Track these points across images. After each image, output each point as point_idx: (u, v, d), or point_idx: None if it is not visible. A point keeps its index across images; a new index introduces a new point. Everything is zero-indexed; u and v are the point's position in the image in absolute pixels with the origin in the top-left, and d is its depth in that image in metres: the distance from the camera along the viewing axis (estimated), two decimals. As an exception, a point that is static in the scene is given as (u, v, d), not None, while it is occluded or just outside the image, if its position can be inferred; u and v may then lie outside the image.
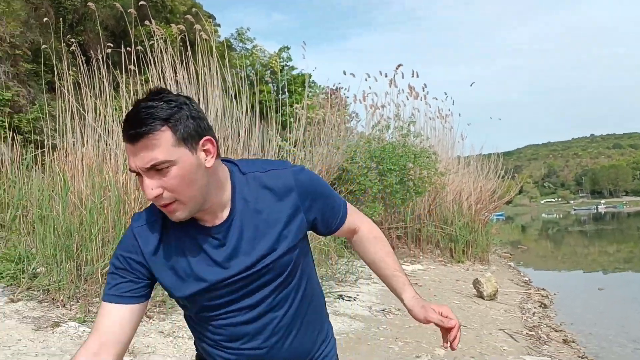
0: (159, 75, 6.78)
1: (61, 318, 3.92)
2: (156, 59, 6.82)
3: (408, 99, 11.94)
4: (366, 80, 11.11)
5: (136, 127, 1.15)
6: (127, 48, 7.03)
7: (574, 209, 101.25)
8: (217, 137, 1.26)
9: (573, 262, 15.47)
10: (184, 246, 1.29)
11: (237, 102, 7.24)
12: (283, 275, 1.34)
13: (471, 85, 14.00)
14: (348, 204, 1.49)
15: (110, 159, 5.78)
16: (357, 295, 6.48)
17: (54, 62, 7.12)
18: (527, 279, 10.21)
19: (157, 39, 7.01)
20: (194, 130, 1.19)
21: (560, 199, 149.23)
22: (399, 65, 10.82)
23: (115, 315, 1.27)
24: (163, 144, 1.15)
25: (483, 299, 7.20)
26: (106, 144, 6.14)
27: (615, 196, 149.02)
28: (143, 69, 6.98)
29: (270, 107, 8.31)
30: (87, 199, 4.91)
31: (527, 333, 5.74)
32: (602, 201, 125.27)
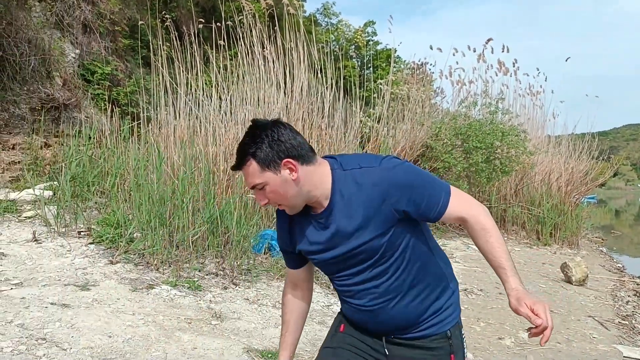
0: (247, 51, 6.92)
1: (155, 281, 4.16)
2: (245, 34, 6.96)
3: (497, 75, 11.52)
4: (453, 55, 10.81)
5: (235, 162, 1.60)
6: (217, 23, 7.22)
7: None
8: (303, 149, 1.58)
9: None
10: (303, 226, 1.69)
11: (321, 77, 7.27)
12: (376, 255, 1.60)
13: (567, 60, 13.21)
14: (455, 192, 1.61)
15: (201, 131, 5.98)
16: (438, 273, 6.42)
17: (149, 37, 7.43)
18: (620, 265, 9.68)
19: (245, 15, 7.14)
20: (275, 156, 1.53)
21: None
22: (489, 40, 10.43)
23: (296, 274, 1.85)
24: (252, 172, 1.55)
25: (571, 284, 6.92)
26: (197, 117, 6.38)
27: None
28: (232, 43, 7.15)
29: (354, 82, 8.28)
30: (179, 169, 5.14)
31: (619, 322, 5.47)
32: None
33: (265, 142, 1.53)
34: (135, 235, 4.68)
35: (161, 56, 7.40)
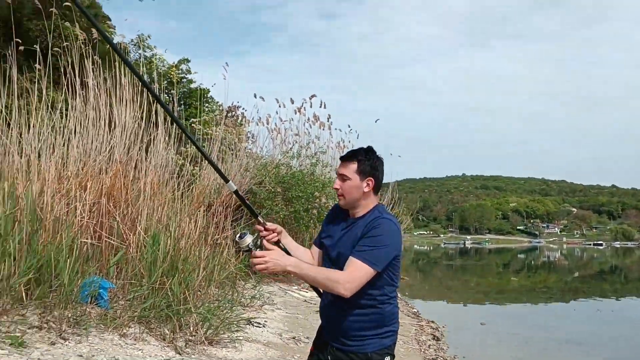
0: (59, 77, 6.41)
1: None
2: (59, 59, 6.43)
3: (311, 127, 12.08)
4: (279, 107, 11.19)
5: (346, 155, 2.46)
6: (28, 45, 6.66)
7: (444, 243, 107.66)
8: (380, 183, 2.48)
9: (450, 294, 16.56)
10: (338, 221, 2.51)
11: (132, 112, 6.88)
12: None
13: (376, 122, 14.71)
14: (362, 264, 2.24)
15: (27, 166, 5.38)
16: (266, 321, 6.50)
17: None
18: (415, 310, 10.75)
19: (73, 42, 6.65)
20: (368, 172, 2.39)
21: (432, 232, 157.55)
22: (313, 96, 11.11)
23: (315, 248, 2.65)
24: (350, 167, 2.39)
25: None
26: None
27: (480, 233, 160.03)
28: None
29: (165, 119, 8.08)
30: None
31: (428, 366, 6.08)
32: (469, 237, 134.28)
33: (370, 161, 2.40)
34: None
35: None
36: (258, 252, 2.22)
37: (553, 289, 20.79)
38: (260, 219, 2.49)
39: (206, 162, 8.84)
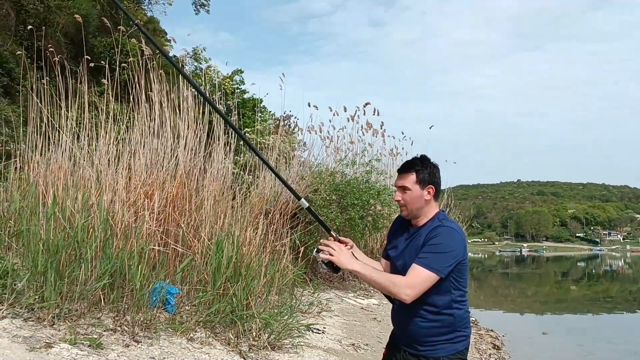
0: (138, 97, 6.69)
1: (51, 338, 3.82)
2: (132, 77, 6.72)
3: (364, 135, 12.09)
4: (334, 115, 11.27)
5: (402, 167, 2.51)
6: (99, 62, 6.99)
7: (500, 251, 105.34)
8: (439, 188, 2.54)
9: (507, 303, 16.16)
10: (402, 232, 2.59)
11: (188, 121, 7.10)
12: None
13: (430, 128, 14.65)
14: (422, 269, 2.32)
15: (93, 176, 5.67)
16: (325, 328, 6.57)
17: (12, 65, 6.97)
18: (473, 318, 10.59)
19: (136, 56, 6.94)
20: (427, 180, 2.46)
21: (486, 240, 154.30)
22: (367, 104, 11.17)
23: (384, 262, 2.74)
24: (409, 179, 2.46)
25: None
26: (86, 160, 6.03)
27: (537, 240, 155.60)
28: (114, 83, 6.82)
29: (226, 130, 8.29)
30: (73, 215, 4.81)
31: (489, 375, 6.01)
32: (525, 245, 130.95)
33: (428, 169, 2.46)
34: (16, 285, 4.26)
35: (31, 88, 6.94)
36: (333, 243, 2.43)
37: (617, 299, 20.03)
38: (333, 233, 2.60)
39: (263, 171, 9.11)
